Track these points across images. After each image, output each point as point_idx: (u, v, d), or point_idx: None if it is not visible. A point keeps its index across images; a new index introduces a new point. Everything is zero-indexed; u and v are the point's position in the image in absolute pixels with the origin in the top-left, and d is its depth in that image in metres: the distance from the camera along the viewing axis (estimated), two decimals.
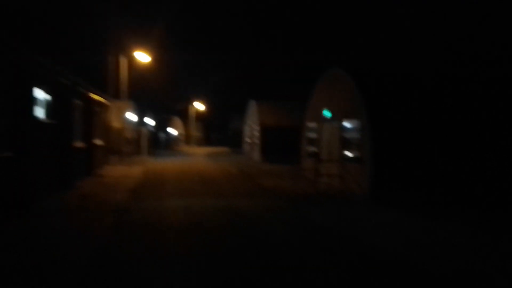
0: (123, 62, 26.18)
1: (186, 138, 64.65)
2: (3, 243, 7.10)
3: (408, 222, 9.69)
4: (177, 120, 58.89)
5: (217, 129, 71.56)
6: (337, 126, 15.25)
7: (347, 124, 14.66)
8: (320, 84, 16.96)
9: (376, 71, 15.32)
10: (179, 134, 60.05)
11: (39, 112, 11.83)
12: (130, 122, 28.26)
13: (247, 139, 36.82)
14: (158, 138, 47.38)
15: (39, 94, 11.84)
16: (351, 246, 7.67)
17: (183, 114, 62.80)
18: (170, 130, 53.96)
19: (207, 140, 70.82)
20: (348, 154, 14.47)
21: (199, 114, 66.41)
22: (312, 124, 17.88)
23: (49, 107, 12.71)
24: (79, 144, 15.60)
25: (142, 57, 25.62)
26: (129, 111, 27.11)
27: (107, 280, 5.67)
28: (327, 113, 15.77)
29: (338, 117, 15.22)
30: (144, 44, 26.61)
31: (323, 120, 16.40)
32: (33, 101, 11.00)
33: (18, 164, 9.94)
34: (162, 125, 50.79)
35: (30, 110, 10.79)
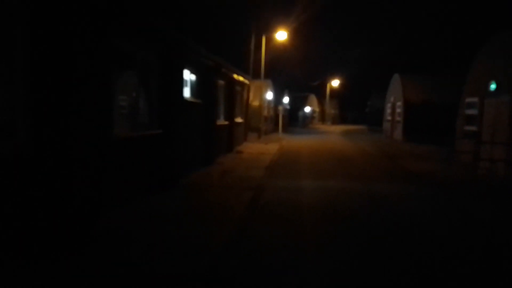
0: (263, 41, 26.59)
1: (322, 116, 64.01)
2: (152, 212, 7.60)
3: None
4: (312, 98, 58.53)
5: (354, 107, 69.18)
6: (506, 101, 12.86)
7: None
8: (483, 52, 14.50)
9: None
10: (315, 111, 59.69)
11: (186, 92, 12.50)
12: (268, 100, 28.82)
13: (388, 117, 34.54)
14: (294, 116, 47.73)
15: (186, 75, 12.48)
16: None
17: (319, 91, 62.11)
18: (307, 107, 53.94)
19: (342, 118, 69.09)
20: None
21: (335, 91, 64.94)
22: (472, 99, 15.46)
23: (195, 87, 13.37)
24: (221, 122, 16.27)
25: (281, 35, 25.62)
26: (267, 89, 27.62)
27: (239, 265, 5.50)
28: (493, 86, 13.42)
29: (508, 90, 12.81)
30: (282, 21, 26.55)
31: (487, 95, 14.05)
32: (182, 82, 11.61)
33: (168, 140, 10.62)
34: (298, 103, 51.02)
35: (180, 91, 11.42)
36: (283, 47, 32.72)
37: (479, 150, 13.35)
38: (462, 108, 16.26)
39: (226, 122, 17.23)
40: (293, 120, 46.67)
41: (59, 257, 5.14)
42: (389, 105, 34.43)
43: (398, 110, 29.71)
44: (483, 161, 13.14)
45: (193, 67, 13.07)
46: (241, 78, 19.91)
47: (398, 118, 29.72)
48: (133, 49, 8.82)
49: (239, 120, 20.04)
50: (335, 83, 60.90)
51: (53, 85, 5.79)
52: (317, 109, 61.97)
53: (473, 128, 15.09)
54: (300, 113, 50.10)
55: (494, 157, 12.80)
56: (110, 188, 7.40)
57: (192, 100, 13.07)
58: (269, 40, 27.38)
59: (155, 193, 9.20)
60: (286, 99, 39.01)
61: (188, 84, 12.94)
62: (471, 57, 15.30)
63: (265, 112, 28.06)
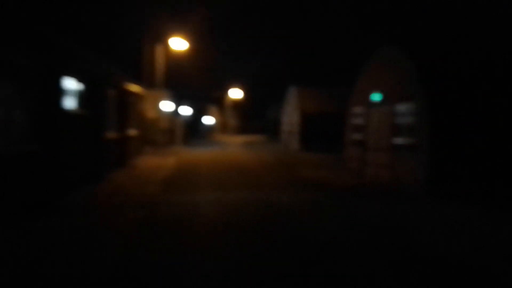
0: (159, 50, 25.66)
1: (222, 126, 64.29)
2: (17, 245, 6.48)
3: (475, 219, 8.39)
4: (213, 109, 58.52)
5: (254, 117, 70.75)
6: (387, 110, 13.86)
7: (399, 108, 13.25)
8: (368, 65, 15.55)
9: (433, 48, 13.76)
10: (216, 122, 59.72)
11: (70, 102, 11.29)
12: (166, 111, 27.83)
13: (286, 127, 35.73)
14: (194, 127, 47.11)
15: (70, 83, 11.29)
16: (407, 248, 6.54)
17: (220, 102, 62.36)
18: (206, 118, 53.67)
19: (243, 129, 70.20)
20: (400, 141, 13.12)
21: (235, 102, 65.80)
22: (358, 109, 16.46)
23: (81, 97, 12.17)
24: (112, 135, 15.11)
25: (179, 44, 24.96)
26: (164, 100, 26.65)
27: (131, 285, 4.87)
28: (376, 97, 14.37)
29: (389, 101, 13.83)
30: (180, 31, 25.92)
31: (371, 105, 15.03)
32: (61, 90, 10.43)
33: (45, 157, 9.40)
34: (198, 114, 50.52)
35: (58, 100, 10.23)
36: (182, 57, 32.06)
37: (365, 156, 14.22)
38: (349, 118, 17.26)
39: (118, 135, 16.07)
40: (194, 131, 46.02)
41: None
42: (286, 115, 35.68)
43: (295, 120, 30.85)
44: (369, 166, 14.01)
45: (80, 76, 11.90)
46: (135, 88, 18.85)
47: (295, 129, 30.84)
48: (6, 54, 7.60)
49: (133, 132, 18.91)
50: (237, 94, 61.68)
51: None
52: (218, 120, 62.09)
53: (359, 136, 16.06)
54: (201, 125, 49.67)
55: (379, 162, 13.73)
56: None
57: (78, 111, 11.86)
58: (168, 49, 26.57)
59: (28, 219, 7.97)
60: (186, 110, 38.24)
61: (75, 94, 11.73)
62: (357, 71, 16.37)
63: (162, 124, 27.04)
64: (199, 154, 25.40)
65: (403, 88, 12.96)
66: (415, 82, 12.19)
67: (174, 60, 30.47)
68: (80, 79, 11.91)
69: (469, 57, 13.10)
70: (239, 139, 48.22)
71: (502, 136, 11.21)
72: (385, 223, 8.25)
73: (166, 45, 25.39)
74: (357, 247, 6.68)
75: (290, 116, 33.54)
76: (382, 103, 14.28)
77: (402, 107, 13.07)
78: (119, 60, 20.84)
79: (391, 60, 13.79)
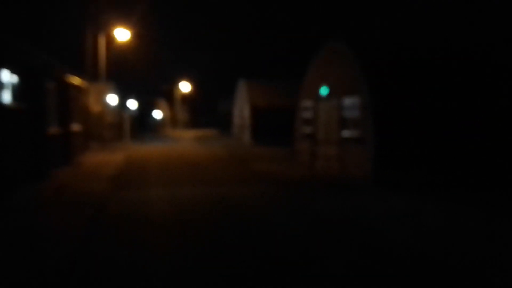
0: (102, 41, 24.59)
1: (172, 121, 63.14)
2: None
3: (418, 207, 8.79)
4: (162, 102, 57.27)
5: (205, 111, 70.03)
6: (335, 104, 14.15)
7: (346, 101, 13.57)
8: (317, 59, 15.75)
9: (378, 43, 14.21)
10: (165, 117, 58.50)
11: (5, 96, 10.51)
12: (111, 105, 26.80)
13: (237, 121, 35.66)
14: (142, 121, 45.88)
15: (5, 76, 10.51)
16: (356, 236, 6.75)
17: (169, 96, 61.14)
18: (155, 112, 52.43)
19: (194, 123, 69.31)
20: (348, 134, 13.46)
21: (186, 96, 64.79)
22: (307, 103, 16.66)
23: (17, 90, 11.37)
24: (54, 130, 14.30)
25: (122, 34, 24.05)
26: (110, 93, 25.65)
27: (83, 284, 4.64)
28: (324, 90, 14.63)
29: (336, 94, 14.12)
30: (124, 21, 24.97)
31: (319, 99, 15.28)
32: None
33: None
34: (146, 108, 49.22)
35: None
36: (128, 48, 30.96)
37: (315, 149, 14.47)
38: (299, 111, 17.46)
39: (61, 131, 15.24)
40: (142, 126, 44.81)
41: None
42: (237, 109, 35.60)
43: (246, 114, 30.85)
44: (319, 159, 14.29)
45: (15, 67, 11.10)
46: (77, 81, 17.95)
47: (246, 122, 30.84)
48: None
49: (77, 127, 18.03)
50: (186, 86, 60.66)
51: None
52: (168, 114, 60.85)
53: (309, 129, 16.29)
54: (150, 119, 48.46)
55: (328, 154, 14.03)
56: None
57: (14, 105, 11.08)
58: (112, 40, 25.52)
59: None
60: (133, 104, 37.09)
61: (10, 87, 10.93)
62: (306, 64, 16.53)
63: (108, 118, 26.04)
64: (149, 149, 24.74)
65: (349, 82, 13.28)
66: (360, 76, 12.52)
67: (119, 52, 29.38)
68: (15, 70, 11.14)
69: (412, 51, 13.65)
70: (190, 133, 47.55)
71: (443, 128, 11.79)
72: (334, 213, 8.43)
73: (110, 37, 24.40)
74: (307, 237, 6.77)
75: (241, 110, 33.51)
76: (329, 96, 14.55)
77: (348, 101, 13.39)
78: (60, 52, 19.77)
79: (337, 54, 14.07)
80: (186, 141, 33.59)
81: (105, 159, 18.42)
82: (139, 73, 47.53)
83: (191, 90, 62.82)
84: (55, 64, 14.53)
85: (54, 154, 14.03)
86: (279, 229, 7.32)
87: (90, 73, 23.16)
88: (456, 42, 14.44)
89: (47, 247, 6.18)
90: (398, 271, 5.35)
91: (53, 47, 20.85)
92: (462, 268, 5.39)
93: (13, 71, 11.01)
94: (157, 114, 52.70)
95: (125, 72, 38.58)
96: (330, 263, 5.62)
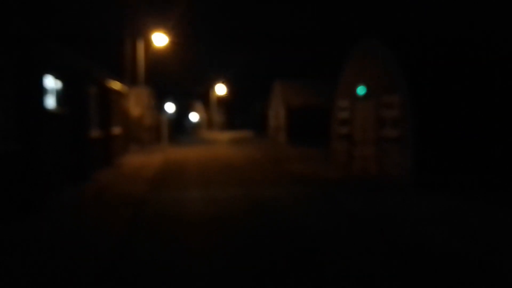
0: (141, 46, 25.28)
1: (208, 123, 63.95)
2: (7, 246, 6.27)
3: (458, 208, 8.45)
4: (198, 105, 58.16)
5: (240, 113, 70.41)
6: (372, 103, 13.84)
7: (384, 100, 13.23)
8: (352, 58, 15.44)
9: (413, 38, 13.76)
10: (201, 119, 59.36)
11: (50, 101, 10.99)
12: (150, 108, 27.50)
13: (272, 122, 35.65)
14: (179, 124, 46.76)
15: (49, 82, 10.99)
16: (396, 239, 6.54)
17: (205, 98, 61.96)
18: (192, 115, 53.30)
19: (230, 125, 69.89)
20: (386, 134, 13.13)
21: (221, 97, 65.44)
22: (343, 103, 16.36)
23: (61, 95, 11.87)
24: (95, 133, 14.82)
25: (160, 39, 24.62)
26: (148, 97, 26.33)
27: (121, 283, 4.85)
28: (361, 90, 14.33)
29: (374, 93, 13.80)
30: (162, 26, 25.54)
31: (356, 98, 14.99)
32: (42, 89, 10.13)
33: (27, 158, 9.13)
34: (183, 110, 50.15)
35: (40, 100, 9.94)
36: (165, 53, 31.66)
37: (352, 149, 14.21)
38: (335, 111, 17.19)
39: (102, 134, 15.78)
40: (179, 128, 45.68)
41: None
42: (272, 110, 35.59)
43: (281, 115, 30.79)
44: (356, 159, 14.02)
45: (59, 73, 11.59)
46: (117, 85, 18.53)
47: (281, 123, 30.78)
48: None
49: (117, 130, 18.61)
50: (221, 89, 61.30)
51: None
52: (204, 116, 61.75)
53: (345, 129, 16.01)
54: (186, 121, 49.32)
55: (366, 155, 13.73)
56: None
57: (58, 110, 11.57)
58: (149, 45, 26.18)
59: (14, 219, 7.75)
60: (170, 107, 37.89)
61: (55, 92, 11.43)
62: (342, 62, 16.25)
63: (147, 121, 26.72)
64: (185, 151, 25.17)
65: (386, 80, 12.95)
66: (398, 74, 12.19)
67: (156, 56, 30.09)
68: (59, 76, 11.61)
69: (450, 45, 13.14)
70: (225, 135, 47.98)
71: (486, 128, 11.28)
72: (373, 214, 8.24)
73: (148, 41, 25.03)
74: (347, 239, 6.65)
75: (276, 110, 33.47)
76: (367, 95, 14.25)
77: (386, 99, 13.06)
78: (100, 57, 20.46)
79: (373, 52, 13.76)
80: (222, 143, 33.91)
81: (144, 161, 18.90)
82: (175, 77, 48.46)
83: (227, 92, 63.40)
84: (96, 70, 15.05)
85: (95, 157, 14.53)
86: (317, 230, 7.23)
87: (129, 77, 23.85)
88: (498, 34, 13.78)
89: (89, 245, 6.40)
90: (436, 271, 5.16)
91: (94, 52, 21.61)
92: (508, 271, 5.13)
93: (56, 77, 11.49)
94: (194, 116, 53.56)
95: (162, 75, 39.46)
96: (367, 261, 5.49)
